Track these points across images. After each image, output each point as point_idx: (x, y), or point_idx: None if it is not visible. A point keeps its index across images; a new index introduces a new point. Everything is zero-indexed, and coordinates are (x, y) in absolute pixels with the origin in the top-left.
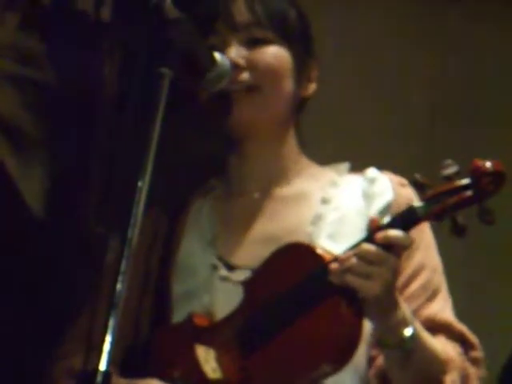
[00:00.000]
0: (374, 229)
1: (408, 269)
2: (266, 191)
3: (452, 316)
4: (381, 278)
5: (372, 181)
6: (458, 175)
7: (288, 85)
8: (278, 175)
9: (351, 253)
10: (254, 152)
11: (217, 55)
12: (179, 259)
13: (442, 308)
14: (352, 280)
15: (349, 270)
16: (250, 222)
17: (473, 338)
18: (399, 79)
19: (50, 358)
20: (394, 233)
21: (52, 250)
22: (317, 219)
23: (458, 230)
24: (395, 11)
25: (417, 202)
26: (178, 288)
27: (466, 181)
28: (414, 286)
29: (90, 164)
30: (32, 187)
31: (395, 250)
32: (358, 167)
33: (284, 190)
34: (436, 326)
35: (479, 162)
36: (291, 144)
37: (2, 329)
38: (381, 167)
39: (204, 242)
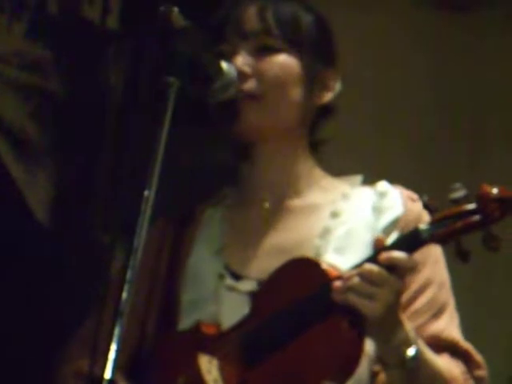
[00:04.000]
0: (378, 249)
1: (414, 284)
2: (277, 202)
3: (458, 334)
4: (382, 299)
5: (382, 195)
6: (466, 199)
7: (295, 93)
8: (289, 186)
9: (354, 272)
10: (264, 161)
11: (223, 64)
12: (188, 267)
13: (448, 325)
14: (353, 299)
15: (351, 289)
16: (259, 233)
17: (478, 356)
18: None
19: (56, 361)
20: (398, 254)
21: (56, 257)
22: (325, 233)
23: (463, 255)
24: (412, 24)
25: (422, 225)
26: (186, 296)
27: (472, 206)
28: (420, 302)
29: (95, 173)
30: (37, 195)
31: (398, 272)
32: (366, 180)
33: (295, 202)
34: (441, 344)
35: (486, 188)
36: (303, 154)
37: (5, 332)
38: (390, 179)
39: (212, 250)
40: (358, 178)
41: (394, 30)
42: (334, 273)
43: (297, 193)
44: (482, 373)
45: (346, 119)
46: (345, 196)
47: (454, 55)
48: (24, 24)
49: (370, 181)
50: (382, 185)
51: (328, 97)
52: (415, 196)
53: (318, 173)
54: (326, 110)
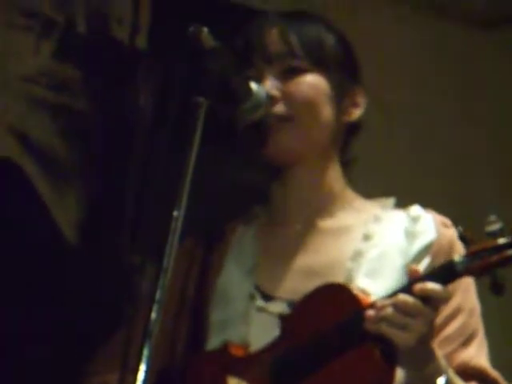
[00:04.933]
0: (412, 279)
1: (445, 311)
2: (309, 223)
3: (486, 362)
4: (416, 330)
5: (415, 219)
6: (502, 232)
7: (326, 112)
8: (321, 207)
9: (388, 302)
10: (296, 182)
11: (253, 85)
12: (219, 286)
13: (477, 353)
14: (387, 330)
15: (384, 319)
16: (291, 254)
17: None
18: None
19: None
20: (432, 286)
21: (85, 275)
22: (357, 255)
23: (497, 288)
24: (441, 41)
25: (457, 256)
26: (215, 315)
27: (508, 239)
28: (451, 328)
29: (124, 192)
30: (66, 214)
31: (432, 303)
32: (397, 204)
33: (327, 223)
34: (469, 372)
35: None
36: (335, 174)
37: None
38: (421, 204)
39: (244, 270)
40: (391, 201)
41: (425, 49)
42: (366, 300)
43: (329, 213)
44: None
45: (380, 144)
46: (377, 218)
47: (485, 73)
48: (53, 43)
49: (402, 205)
50: (415, 209)
51: (357, 114)
52: (448, 221)
53: (350, 193)
54: (355, 128)
